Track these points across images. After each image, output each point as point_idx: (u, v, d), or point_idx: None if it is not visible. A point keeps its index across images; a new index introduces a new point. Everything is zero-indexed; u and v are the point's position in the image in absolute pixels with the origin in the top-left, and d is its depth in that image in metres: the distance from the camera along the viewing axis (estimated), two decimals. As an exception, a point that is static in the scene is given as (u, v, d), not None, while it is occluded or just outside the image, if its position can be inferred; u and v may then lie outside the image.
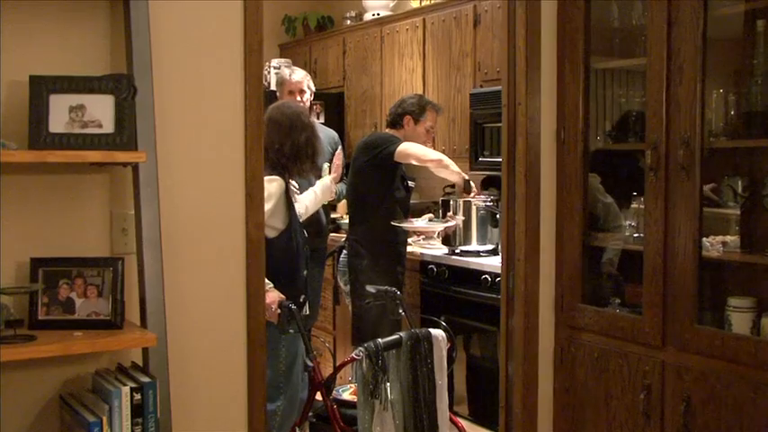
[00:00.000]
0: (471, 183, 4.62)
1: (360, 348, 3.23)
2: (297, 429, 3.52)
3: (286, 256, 3.69)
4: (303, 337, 3.52)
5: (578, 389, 3.29)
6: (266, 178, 3.57)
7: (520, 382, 3.37)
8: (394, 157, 4.45)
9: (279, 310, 3.46)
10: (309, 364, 3.48)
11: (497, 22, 4.55)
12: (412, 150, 4.48)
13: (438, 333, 3.46)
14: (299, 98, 4.70)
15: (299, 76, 4.77)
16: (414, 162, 4.53)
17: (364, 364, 3.19)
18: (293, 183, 3.89)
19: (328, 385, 3.50)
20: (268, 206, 3.51)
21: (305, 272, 3.79)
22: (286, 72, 4.81)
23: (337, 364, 3.76)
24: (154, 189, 2.41)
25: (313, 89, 4.88)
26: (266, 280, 3.34)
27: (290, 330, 3.47)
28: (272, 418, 3.54)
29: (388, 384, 3.24)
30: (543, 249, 3.36)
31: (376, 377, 3.19)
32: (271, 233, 3.57)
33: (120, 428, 2.22)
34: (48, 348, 2.17)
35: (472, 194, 4.60)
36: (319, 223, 4.56)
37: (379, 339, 3.30)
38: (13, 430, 2.36)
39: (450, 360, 3.62)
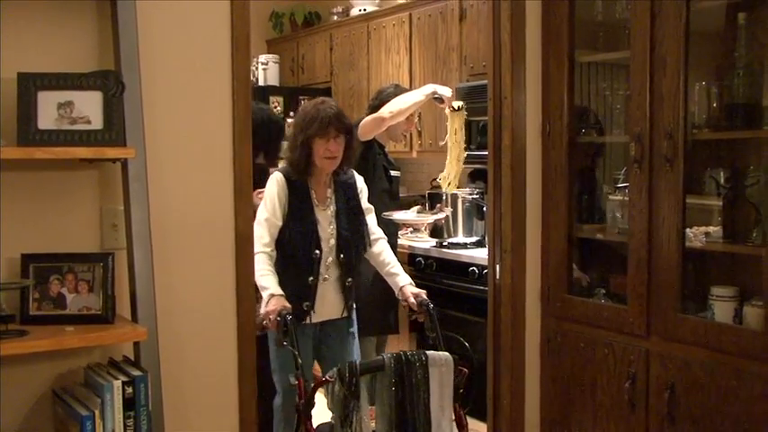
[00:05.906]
0: (437, 91, 4.37)
1: (333, 369, 2.83)
2: None
3: None
4: (294, 353, 3.06)
5: (565, 378, 3.32)
6: None
7: (507, 373, 3.40)
8: (360, 138, 4.22)
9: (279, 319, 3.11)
10: (293, 381, 2.98)
11: (483, 17, 4.56)
12: (367, 122, 4.30)
13: (439, 357, 2.88)
14: None
15: None
16: (379, 131, 4.33)
17: (336, 388, 2.78)
18: None
19: (306, 408, 2.93)
20: None
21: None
22: None
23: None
24: (143, 184, 2.42)
25: None
26: (277, 287, 3.26)
27: (284, 343, 3.11)
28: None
29: (363, 412, 2.79)
30: (529, 241, 3.39)
31: (347, 404, 2.77)
32: None
33: (112, 422, 2.24)
34: (39, 343, 2.19)
35: (447, 103, 4.37)
36: None
37: (358, 360, 2.98)
38: (7, 425, 2.37)
39: (469, 390, 3.05)
